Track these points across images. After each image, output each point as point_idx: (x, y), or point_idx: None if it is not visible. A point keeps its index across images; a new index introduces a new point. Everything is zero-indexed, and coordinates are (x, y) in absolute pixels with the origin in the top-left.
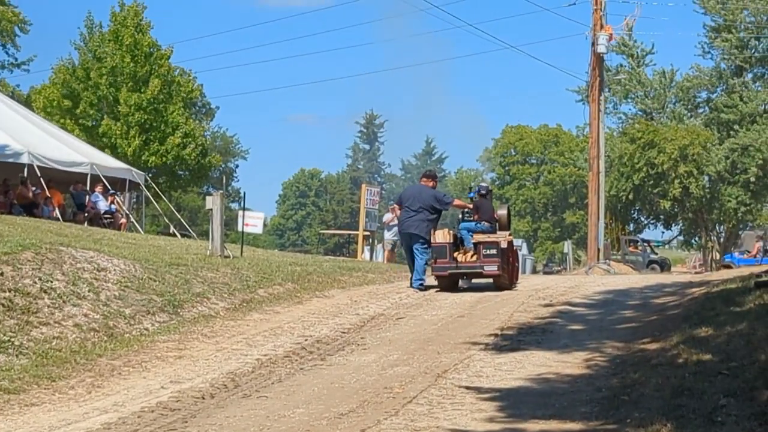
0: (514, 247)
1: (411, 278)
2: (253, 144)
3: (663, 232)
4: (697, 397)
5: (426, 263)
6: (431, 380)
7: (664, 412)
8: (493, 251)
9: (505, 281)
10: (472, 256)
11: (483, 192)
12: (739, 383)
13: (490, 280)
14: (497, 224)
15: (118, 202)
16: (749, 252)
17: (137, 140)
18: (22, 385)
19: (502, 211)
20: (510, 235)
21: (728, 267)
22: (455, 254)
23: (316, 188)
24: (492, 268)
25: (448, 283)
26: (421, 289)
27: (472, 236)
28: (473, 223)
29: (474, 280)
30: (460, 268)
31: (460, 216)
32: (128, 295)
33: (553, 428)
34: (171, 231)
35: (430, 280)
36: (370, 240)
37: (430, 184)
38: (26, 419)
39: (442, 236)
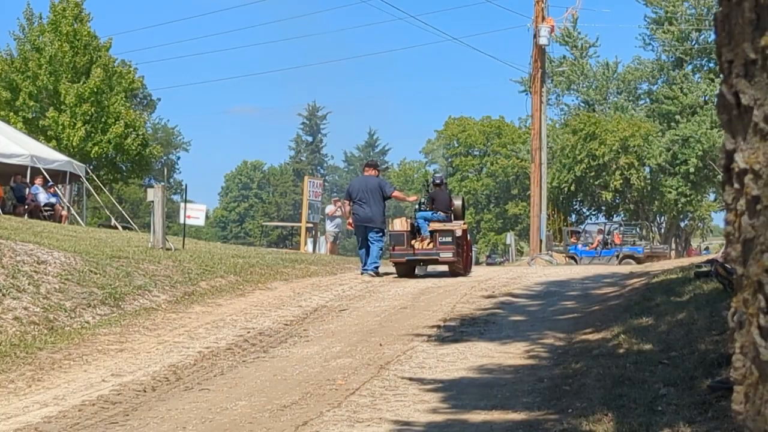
0: (468, 237)
1: (362, 266)
2: (195, 136)
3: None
4: (637, 387)
5: (381, 249)
6: (374, 372)
7: (606, 401)
8: (449, 239)
9: (460, 267)
10: (428, 244)
11: (438, 182)
12: (679, 373)
13: (446, 267)
14: (452, 214)
15: (58, 192)
16: (591, 244)
17: (81, 131)
18: None
19: (457, 202)
20: (464, 224)
21: (572, 258)
22: (412, 242)
23: (259, 180)
24: (447, 254)
25: (406, 270)
26: (375, 275)
27: (428, 225)
28: (430, 213)
29: (429, 267)
30: (417, 255)
31: (417, 206)
32: (69, 288)
33: (496, 419)
34: (112, 223)
35: (386, 269)
36: (313, 232)
37: (374, 173)
38: None
39: (399, 224)
